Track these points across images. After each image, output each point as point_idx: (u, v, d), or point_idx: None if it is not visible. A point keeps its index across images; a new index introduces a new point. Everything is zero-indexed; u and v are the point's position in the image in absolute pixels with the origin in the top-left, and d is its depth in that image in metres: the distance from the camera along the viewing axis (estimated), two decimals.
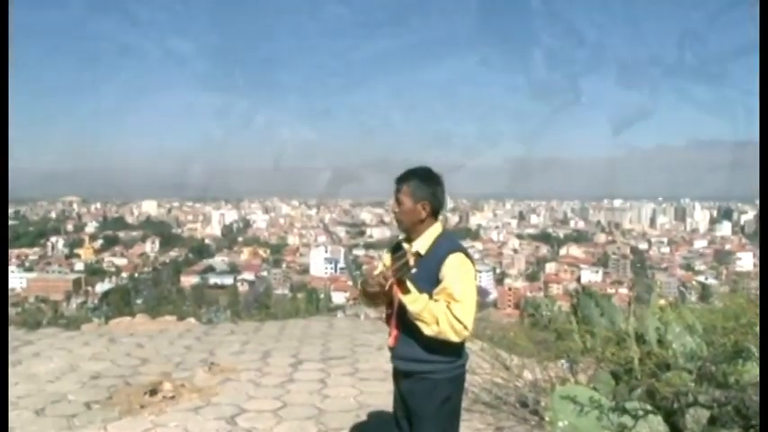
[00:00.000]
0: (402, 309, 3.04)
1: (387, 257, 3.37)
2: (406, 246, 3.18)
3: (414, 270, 2.95)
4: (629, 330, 3.81)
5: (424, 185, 3.13)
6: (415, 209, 3.11)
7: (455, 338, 2.95)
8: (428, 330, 2.95)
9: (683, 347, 3.65)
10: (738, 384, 3.28)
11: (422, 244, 3.11)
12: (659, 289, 5.08)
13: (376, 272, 3.29)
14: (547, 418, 3.60)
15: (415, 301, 2.97)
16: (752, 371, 3.32)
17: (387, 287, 2.99)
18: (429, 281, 3.00)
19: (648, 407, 3.47)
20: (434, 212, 3.15)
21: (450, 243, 3.13)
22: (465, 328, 2.92)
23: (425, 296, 2.98)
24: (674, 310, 3.92)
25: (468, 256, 3.09)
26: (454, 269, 2.99)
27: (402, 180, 3.17)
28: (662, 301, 4.30)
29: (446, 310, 2.91)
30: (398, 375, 3.23)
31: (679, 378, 3.39)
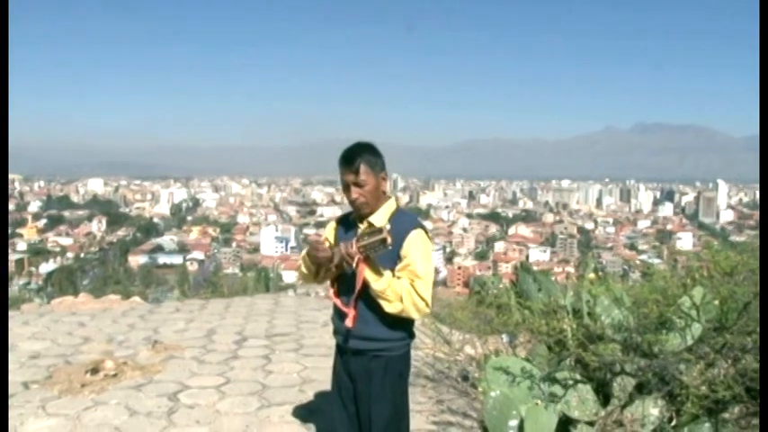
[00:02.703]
0: (363, 287, 2.91)
1: (330, 231, 3.23)
2: (363, 222, 3.03)
3: (390, 248, 2.77)
4: (562, 303, 3.93)
5: (374, 158, 2.95)
6: (379, 184, 2.96)
7: (417, 316, 2.91)
8: (390, 308, 2.88)
9: (612, 319, 3.79)
10: (662, 353, 3.44)
11: (378, 220, 2.97)
12: (595, 264, 5.23)
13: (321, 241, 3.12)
14: (480, 389, 3.71)
15: (378, 279, 2.87)
16: (673, 341, 3.48)
17: (354, 264, 2.83)
18: (390, 257, 2.89)
19: (578, 376, 3.61)
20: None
21: (410, 219, 3.04)
22: (427, 305, 2.88)
23: (389, 273, 2.89)
24: (602, 283, 4.06)
25: (427, 233, 3.02)
26: (418, 246, 2.91)
27: (355, 157, 2.93)
28: (592, 275, 4.45)
29: (410, 288, 2.86)
30: (347, 354, 3.12)
31: (607, 348, 3.52)
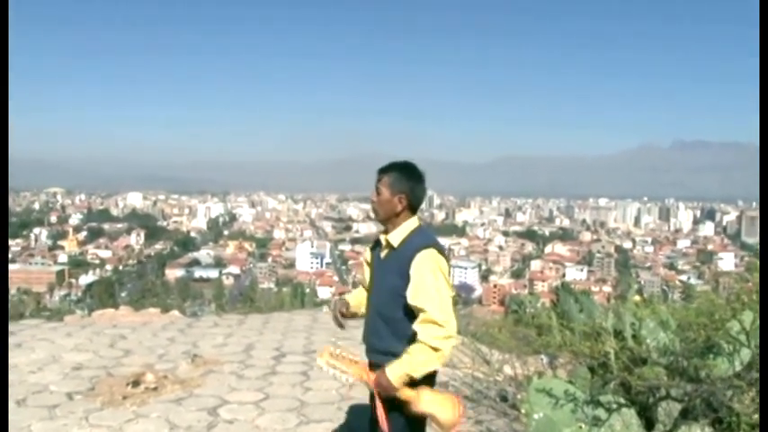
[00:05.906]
0: (371, 309, 3.16)
1: (368, 254, 3.39)
2: (382, 238, 3.21)
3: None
4: (604, 325, 3.88)
5: (403, 179, 3.12)
6: (392, 201, 3.11)
7: (440, 360, 2.89)
8: (430, 366, 2.90)
9: (657, 342, 3.72)
10: (709, 378, 3.36)
11: (396, 237, 3.11)
12: (637, 285, 5.16)
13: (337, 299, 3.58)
14: (523, 411, 3.66)
15: (396, 372, 2.90)
16: (721, 365, 3.40)
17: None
18: (399, 273, 3.01)
19: (622, 400, 3.54)
20: (411, 207, 3.14)
21: (422, 238, 3.10)
22: (446, 337, 2.86)
23: (399, 362, 2.90)
24: (648, 306, 4.00)
25: (440, 251, 3.07)
26: (422, 270, 2.96)
27: (383, 171, 3.17)
28: (636, 297, 4.38)
29: (417, 346, 2.87)
30: (370, 367, 3.24)
31: (652, 372, 3.46)
